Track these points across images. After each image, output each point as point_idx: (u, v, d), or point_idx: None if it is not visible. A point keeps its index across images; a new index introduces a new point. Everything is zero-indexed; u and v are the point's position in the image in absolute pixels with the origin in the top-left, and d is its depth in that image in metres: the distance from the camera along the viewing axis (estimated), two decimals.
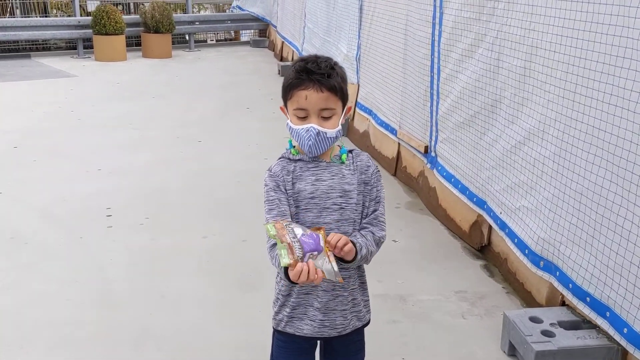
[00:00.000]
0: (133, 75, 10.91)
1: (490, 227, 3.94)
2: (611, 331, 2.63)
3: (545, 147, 3.13)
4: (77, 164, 5.99)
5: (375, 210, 1.97)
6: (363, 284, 2.08)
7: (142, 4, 15.69)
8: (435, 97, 4.59)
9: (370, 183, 1.99)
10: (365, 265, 2.04)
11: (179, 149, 6.56)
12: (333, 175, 1.95)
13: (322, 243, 1.75)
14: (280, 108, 2.06)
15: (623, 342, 2.59)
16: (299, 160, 1.99)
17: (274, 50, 13.42)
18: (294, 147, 2.03)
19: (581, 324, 2.94)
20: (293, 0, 10.84)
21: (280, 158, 2.04)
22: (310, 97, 1.86)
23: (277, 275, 2.09)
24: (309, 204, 1.93)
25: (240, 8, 15.01)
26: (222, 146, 6.65)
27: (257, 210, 4.98)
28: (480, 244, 4.07)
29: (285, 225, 1.77)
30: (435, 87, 4.57)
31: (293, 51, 11.10)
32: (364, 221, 1.96)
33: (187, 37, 14.20)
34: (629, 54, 2.51)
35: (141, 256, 4.12)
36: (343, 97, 1.94)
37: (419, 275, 3.86)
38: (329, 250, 1.76)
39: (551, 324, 2.92)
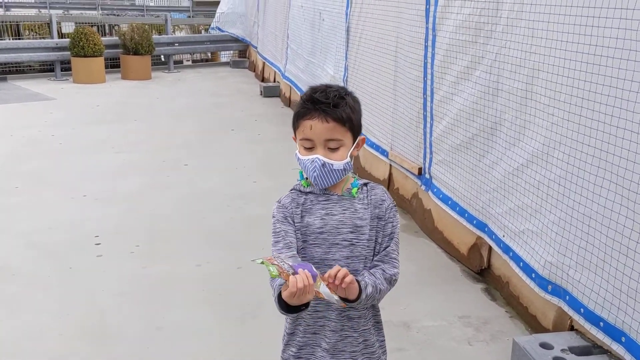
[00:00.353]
0: (113, 98, 10.76)
1: (490, 249, 3.91)
2: (627, 357, 2.59)
3: (550, 170, 3.11)
4: (61, 190, 5.84)
5: (387, 247, 1.88)
6: (378, 324, 1.98)
7: (118, 26, 15.60)
8: (429, 119, 4.57)
9: (385, 218, 1.90)
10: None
11: (166, 173, 6.45)
12: (344, 210, 1.88)
13: (316, 271, 1.66)
14: (292, 138, 2.00)
15: None
16: (309, 192, 1.92)
17: (254, 71, 13.39)
18: (306, 178, 1.97)
19: (592, 349, 2.91)
20: (274, 22, 10.84)
21: (291, 190, 1.98)
22: (315, 127, 1.79)
23: None
24: (318, 238, 1.86)
25: (219, 29, 14.98)
26: (209, 170, 6.55)
27: (251, 235, 4.97)
28: (480, 267, 4.03)
29: (275, 256, 1.69)
30: (428, 109, 4.55)
31: (275, 72, 11.08)
32: (375, 258, 1.87)
33: (162, 58, 14.07)
34: (637, 77, 2.50)
35: (134, 286, 4.00)
36: (352, 127, 1.86)
37: (420, 300, 3.81)
38: (325, 281, 1.67)
39: (562, 350, 2.88)
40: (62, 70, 12.52)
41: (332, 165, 1.83)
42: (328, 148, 1.83)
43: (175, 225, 5.04)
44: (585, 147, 2.84)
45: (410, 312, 3.65)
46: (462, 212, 4.09)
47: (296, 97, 9.26)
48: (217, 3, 17.21)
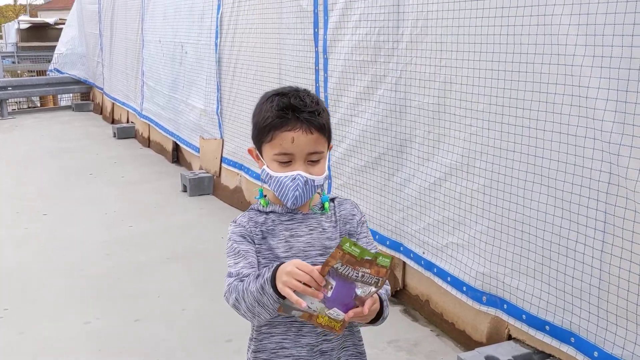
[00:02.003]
0: None
1: (404, 269, 3.84)
2: (579, 357, 2.60)
3: (473, 180, 3.11)
4: None
5: None
6: (361, 355, 1.78)
7: None
8: None
9: (358, 233, 1.72)
10: None
11: (23, 225, 5.68)
12: (311, 230, 1.67)
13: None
14: (249, 150, 1.75)
15: None
16: (270, 212, 1.69)
17: (102, 114, 12.56)
18: (264, 196, 1.72)
19: (533, 355, 2.90)
20: (124, 60, 10.26)
21: (248, 209, 1.73)
22: (298, 140, 1.58)
23: (249, 347, 1.74)
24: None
25: (58, 71, 13.93)
26: (74, 217, 5.88)
27: (142, 282, 4.47)
28: (395, 289, 3.94)
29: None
30: None
31: (128, 112, 10.46)
32: None
33: None
34: (561, 80, 2.57)
35: (13, 357, 3.37)
36: (329, 136, 1.68)
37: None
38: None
39: None
40: None
41: (314, 181, 1.62)
42: (308, 162, 1.61)
43: (48, 280, 4.40)
44: (511, 154, 2.86)
45: None
46: (373, 234, 3.99)
47: (156, 136, 8.77)
48: (47, 47, 16.05)
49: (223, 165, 6.31)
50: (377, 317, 1.53)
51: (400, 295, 3.94)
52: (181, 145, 7.67)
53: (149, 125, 9.06)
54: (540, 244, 2.75)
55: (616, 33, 2.33)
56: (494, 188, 2.98)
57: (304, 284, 1.39)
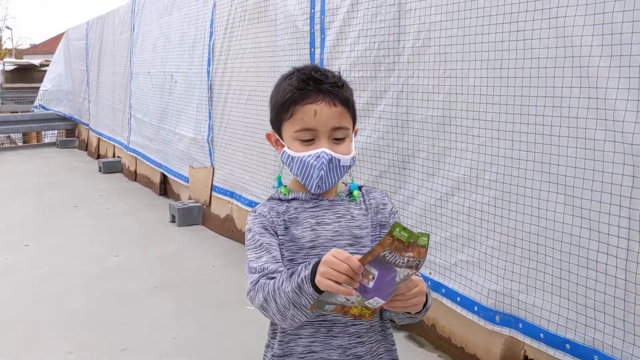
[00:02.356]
0: None
1: None
2: None
3: (482, 193, 2.97)
4: None
5: None
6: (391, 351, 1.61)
7: None
8: None
9: (389, 224, 1.57)
10: None
11: (4, 255, 5.42)
12: (339, 217, 1.52)
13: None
14: (267, 135, 1.61)
15: None
16: (292, 199, 1.53)
17: (87, 150, 12.37)
18: (285, 185, 1.57)
19: None
20: (112, 94, 10.14)
21: (267, 200, 1.58)
22: (321, 112, 1.45)
23: (265, 356, 1.57)
24: (309, 255, 1.47)
25: (43, 107, 13.76)
26: (57, 248, 5.64)
27: (129, 312, 4.21)
28: None
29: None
30: None
31: (114, 147, 10.30)
32: None
33: None
34: (576, 83, 2.47)
35: None
36: (354, 115, 1.55)
37: None
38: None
39: None
40: None
41: (339, 161, 1.47)
42: (333, 140, 1.47)
43: (27, 310, 4.15)
44: (523, 163, 2.74)
45: None
46: None
47: (143, 169, 8.59)
48: (31, 88, 15.89)
49: (213, 193, 6.13)
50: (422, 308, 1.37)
51: None
52: (169, 176, 7.49)
53: (135, 158, 8.89)
54: (557, 257, 2.60)
55: (635, 30, 2.24)
56: (505, 200, 2.85)
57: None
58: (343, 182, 1.60)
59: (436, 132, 3.24)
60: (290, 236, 1.49)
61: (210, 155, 6.18)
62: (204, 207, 6.34)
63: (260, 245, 1.46)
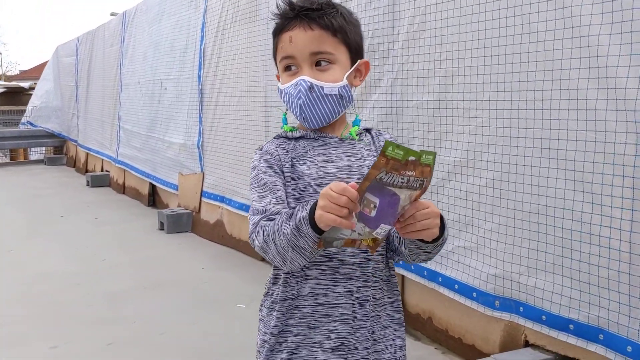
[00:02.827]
0: None
1: (403, 285, 3.56)
2: (610, 354, 2.33)
3: (480, 175, 2.90)
4: None
5: None
6: (397, 314, 1.51)
7: None
8: None
9: None
10: None
11: None
12: (348, 156, 1.44)
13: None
14: (277, 76, 1.54)
15: None
16: (300, 137, 1.46)
17: (75, 166, 12.23)
18: (292, 127, 1.51)
19: None
20: (101, 108, 10.05)
21: (274, 137, 1.50)
22: (296, 38, 1.39)
23: (263, 305, 1.48)
24: (316, 192, 1.37)
25: (31, 124, 13.65)
26: (42, 252, 5.50)
27: (116, 309, 4.06)
28: None
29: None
30: None
31: (102, 161, 10.18)
32: None
33: None
34: (576, 53, 2.43)
35: None
36: (348, 42, 1.44)
37: None
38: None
39: None
40: None
41: (322, 88, 1.39)
42: (317, 67, 1.40)
43: (11, 307, 4.00)
44: (522, 141, 2.68)
45: None
46: None
47: (132, 181, 8.47)
48: (19, 111, 15.82)
49: (203, 199, 6.02)
50: (438, 237, 1.28)
51: None
52: (158, 185, 7.38)
53: (124, 171, 8.78)
54: (559, 234, 2.53)
55: (636, 6, 2.20)
56: (504, 180, 2.78)
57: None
58: (349, 122, 1.53)
59: (432, 117, 3.18)
60: (297, 173, 1.41)
61: (200, 160, 6.09)
62: (194, 213, 6.23)
63: (264, 185, 1.39)
